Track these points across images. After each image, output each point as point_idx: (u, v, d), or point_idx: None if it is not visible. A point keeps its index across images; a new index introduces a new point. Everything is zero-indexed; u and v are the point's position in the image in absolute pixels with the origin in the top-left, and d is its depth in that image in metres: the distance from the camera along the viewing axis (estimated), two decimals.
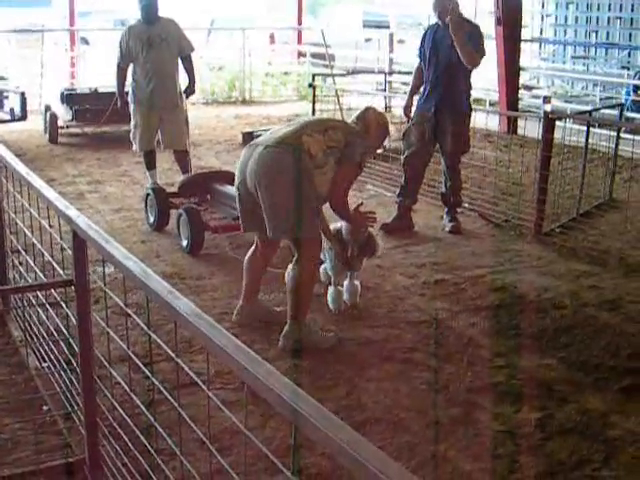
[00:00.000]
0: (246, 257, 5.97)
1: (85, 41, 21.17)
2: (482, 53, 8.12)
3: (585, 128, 9.23)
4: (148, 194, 8.38)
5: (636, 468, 4.15)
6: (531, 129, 10.11)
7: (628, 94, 14.89)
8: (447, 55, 8.03)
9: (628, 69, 18.15)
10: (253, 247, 5.94)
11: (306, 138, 5.35)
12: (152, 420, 3.16)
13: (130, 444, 3.58)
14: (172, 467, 3.83)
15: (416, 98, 8.50)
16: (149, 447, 3.31)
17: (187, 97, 9.59)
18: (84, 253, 3.40)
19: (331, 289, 6.16)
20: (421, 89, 8.43)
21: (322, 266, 6.31)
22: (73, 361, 4.17)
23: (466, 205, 9.02)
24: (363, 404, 4.70)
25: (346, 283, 6.20)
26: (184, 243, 7.52)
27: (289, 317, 5.43)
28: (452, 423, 4.54)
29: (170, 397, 3.16)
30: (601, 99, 16.04)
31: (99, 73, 14.69)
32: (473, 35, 8.02)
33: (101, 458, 3.74)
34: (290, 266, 5.50)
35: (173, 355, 2.76)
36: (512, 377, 5.09)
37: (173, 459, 3.68)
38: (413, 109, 8.49)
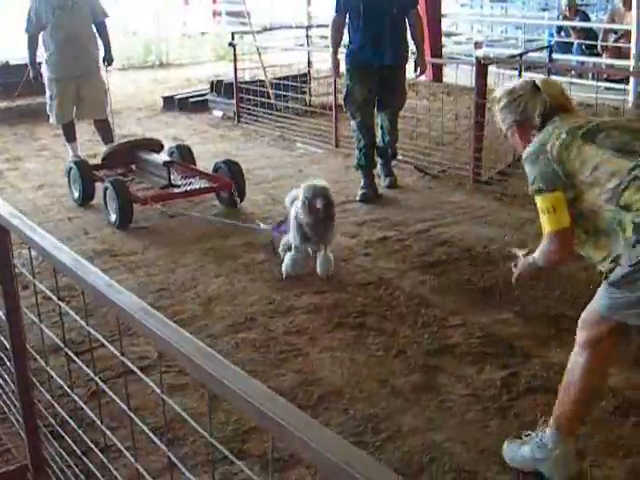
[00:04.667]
0: (585, 362, 3.44)
1: None
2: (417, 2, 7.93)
3: (513, 72, 9.09)
4: (70, 168, 7.96)
5: (608, 423, 3.99)
6: (455, 76, 9.88)
7: (551, 35, 14.77)
8: (387, 6, 7.55)
9: (547, 10, 18.04)
10: (598, 344, 3.42)
11: None
12: (92, 415, 2.86)
13: (74, 444, 3.28)
14: (123, 464, 3.58)
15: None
16: (92, 446, 3.01)
17: (108, 66, 9.21)
18: (6, 243, 3.05)
19: (289, 254, 5.88)
20: (347, 42, 7.96)
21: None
22: (5, 357, 3.83)
23: (400, 157, 8.77)
24: (319, 378, 4.45)
25: (319, 255, 5.89)
26: (113, 217, 7.16)
27: (551, 422, 3.59)
28: (415, 390, 4.31)
29: (107, 389, 2.82)
30: (524, 42, 15.89)
31: (9, 45, 14.10)
32: None
33: (45, 462, 3.44)
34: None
35: (109, 345, 2.47)
36: (470, 336, 4.89)
37: (123, 455, 3.39)
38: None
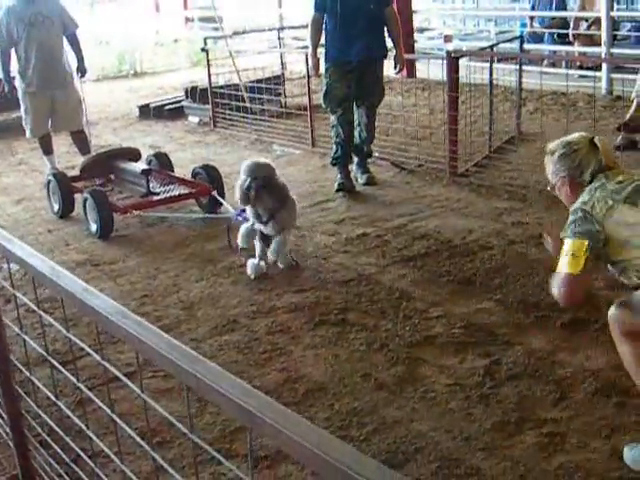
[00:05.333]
0: (630, 348, 3.53)
1: None
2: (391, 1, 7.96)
3: (486, 64, 9.13)
4: (49, 181, 7.98)
5: (590, 404, 4.04)
6: (428, 71, 9.91)
7: (524, 26, 14.82)
8: (363, 3, 7.61)
9: (517, 2, 18.09)
10: None
11: None
12: (79, 422, 2.88)
13: (63, 452, 3.30)
14: (112, 469, 3.62)
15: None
16: (81, 453, 3.04)
17: (82, 77, 9.23)
18: None
19: (250, 260, 6.01)
20: (324, 41, 7.96)
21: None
22: None
23: (376, 154, 8.82)
24: (303, 375, 4.49)
25: (272, 243, 6.01)
26: (93, 228, 7.17)
27: None
28: (398, 382, 4.36)
29: (93, 396, 2.85)
30: (496, 34, 15.95)
31: None
32: None
33: (35, 471, 3.46)
34: None
35: (92, 352, 2.50)
36: (451, 326, 4.94)
37: (112, 460, 3.42)
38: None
